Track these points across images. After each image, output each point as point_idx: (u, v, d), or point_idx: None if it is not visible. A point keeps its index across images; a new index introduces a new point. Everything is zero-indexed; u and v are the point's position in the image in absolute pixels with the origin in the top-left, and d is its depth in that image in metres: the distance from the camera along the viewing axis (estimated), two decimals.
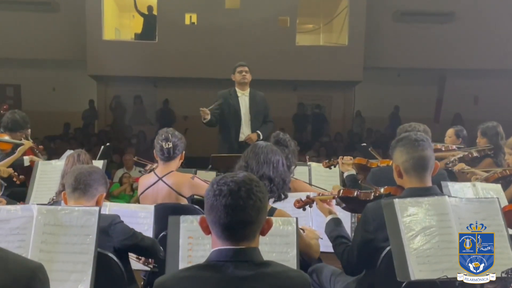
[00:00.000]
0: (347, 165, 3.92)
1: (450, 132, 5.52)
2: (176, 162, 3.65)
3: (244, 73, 5.63)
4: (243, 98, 5.70)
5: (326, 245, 2.95)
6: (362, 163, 4.01)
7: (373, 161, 4.06)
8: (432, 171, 2.58)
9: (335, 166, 4.15)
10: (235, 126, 5.63)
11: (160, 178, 3.56)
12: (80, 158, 3.64)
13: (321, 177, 4.44)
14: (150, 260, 3.03)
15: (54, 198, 3.47)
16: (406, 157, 2.54)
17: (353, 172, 3.85)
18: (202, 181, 3.54)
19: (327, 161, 4.23)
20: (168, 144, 3.54)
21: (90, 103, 14.17)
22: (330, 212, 2.84)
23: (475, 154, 4.94)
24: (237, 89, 5.70)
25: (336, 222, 2.78)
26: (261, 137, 5.42)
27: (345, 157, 3.97)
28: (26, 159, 4.90)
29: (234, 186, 1.67)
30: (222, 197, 1.66)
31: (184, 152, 3.70)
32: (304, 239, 2.78)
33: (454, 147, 5.19)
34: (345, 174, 3.88)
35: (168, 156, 3.57)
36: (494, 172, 4.36)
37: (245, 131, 5.65)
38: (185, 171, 3.94)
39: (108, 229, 2.58)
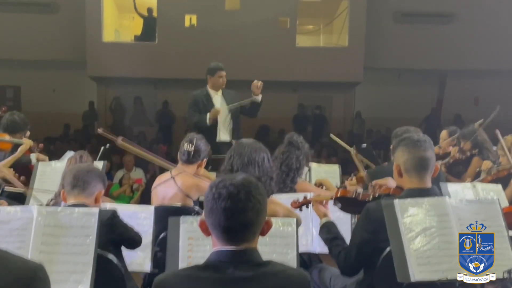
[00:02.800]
0: (353, 185, 3.94)
1: (444, 134, 5.52)
2: (194, 167, 3.64)
3: (223, 78, 5.64)
4: (216, 99, 5.68)
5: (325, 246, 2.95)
6: (362, 175, 4.06)
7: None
8: (433, 173, 2.58)
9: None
10: (213, 127, 5.59)
11: (171, 177, 3.58)
12: (82, 159, 3.63)
13: (321, 177, 4.43)
14: None
15: (53, 199, 3.46)
16: (407, 156, 2.55)
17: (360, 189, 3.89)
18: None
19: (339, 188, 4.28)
20: (190, 147, 3.53)
21: (90, 104, 14.17)
22: (325, 215, 2.83)
23: (458, 156, 5.05)
24: (210, 90, 5.68)
25: (330, 225, 2.77)
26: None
27: (352, 177, 4.00)
28: (33, 156, 4.89)
29: (233, 189, 1.67)
30: (222, 200, 1.66)
31: (205, 160, 3.68)
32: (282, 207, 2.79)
33: (450, 148, 5.21)
34: None
35: (187, 159, 3.57)
36: (487, 175, 4.39)
37: (222, 131, 5.63)
38: None
39: (107, 222, 2.60)
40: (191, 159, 3.58)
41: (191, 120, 5.67)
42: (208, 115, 5.51)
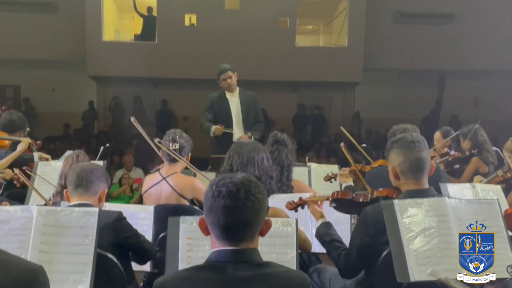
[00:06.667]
0: (345, 176, 3.92)
1: (437, 135, 5.48)
2: (182, 164, 3.65)
3: (228, 81, 5.68)
4: (233, 100, 5.76)
5: None
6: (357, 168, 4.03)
7: (367, 166, 4.07)
8: (429, 172, 2.56)
9: (335, 179, 4.16)
10: (229, 130, 5.67)
11: (164, 178, 3.57)
12: (79, 158, 3.62)
13: (320, 178, 4.43)
14: None
15: (52, 198, 3.46)
16: (402, 159, 2.52)
17: (351, 183, 3.85)
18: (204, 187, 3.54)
19: (326, 175, 4.24)
20: (175, 145, 3.55)
21: (89, 104, 14.17)
22: (322, 216, 2.82)
23: (456, 155, 5.10)
24: (226, 92, 5.76)
25: (327, 226, 2.76)
26: (252, 139, 5.44)
27: (343, 168, 3.97)
28: (36, 155, 4.90)
29: (232, 187, 1.67)
30: (221, 198, 1.66)
31: (190, 154, 3.70)
32: (300, 234, 2.77)
33: (446, 149, 5.22)
34: (343, 186, 3.87)
35: (174, 158, 3.58)
36: (495, 175, 4.39)
37: (236, 132, 5.69)
38: (186, 173, 3.94)
39: (112, 224, 2.58)
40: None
41: (201, 122, 5.77)
42: (212, 128, 5.60)
